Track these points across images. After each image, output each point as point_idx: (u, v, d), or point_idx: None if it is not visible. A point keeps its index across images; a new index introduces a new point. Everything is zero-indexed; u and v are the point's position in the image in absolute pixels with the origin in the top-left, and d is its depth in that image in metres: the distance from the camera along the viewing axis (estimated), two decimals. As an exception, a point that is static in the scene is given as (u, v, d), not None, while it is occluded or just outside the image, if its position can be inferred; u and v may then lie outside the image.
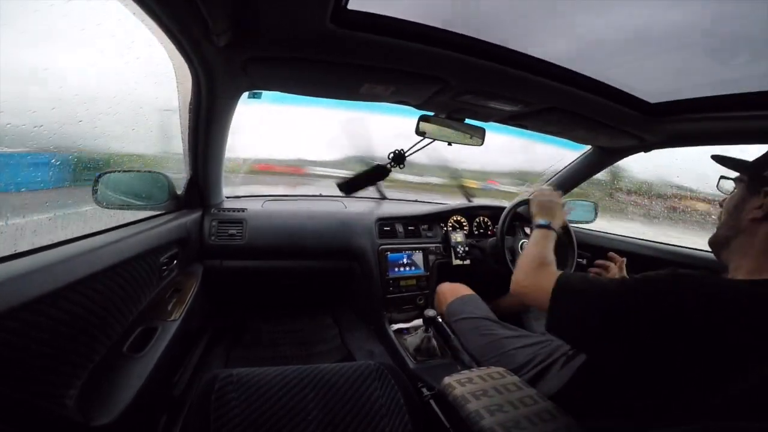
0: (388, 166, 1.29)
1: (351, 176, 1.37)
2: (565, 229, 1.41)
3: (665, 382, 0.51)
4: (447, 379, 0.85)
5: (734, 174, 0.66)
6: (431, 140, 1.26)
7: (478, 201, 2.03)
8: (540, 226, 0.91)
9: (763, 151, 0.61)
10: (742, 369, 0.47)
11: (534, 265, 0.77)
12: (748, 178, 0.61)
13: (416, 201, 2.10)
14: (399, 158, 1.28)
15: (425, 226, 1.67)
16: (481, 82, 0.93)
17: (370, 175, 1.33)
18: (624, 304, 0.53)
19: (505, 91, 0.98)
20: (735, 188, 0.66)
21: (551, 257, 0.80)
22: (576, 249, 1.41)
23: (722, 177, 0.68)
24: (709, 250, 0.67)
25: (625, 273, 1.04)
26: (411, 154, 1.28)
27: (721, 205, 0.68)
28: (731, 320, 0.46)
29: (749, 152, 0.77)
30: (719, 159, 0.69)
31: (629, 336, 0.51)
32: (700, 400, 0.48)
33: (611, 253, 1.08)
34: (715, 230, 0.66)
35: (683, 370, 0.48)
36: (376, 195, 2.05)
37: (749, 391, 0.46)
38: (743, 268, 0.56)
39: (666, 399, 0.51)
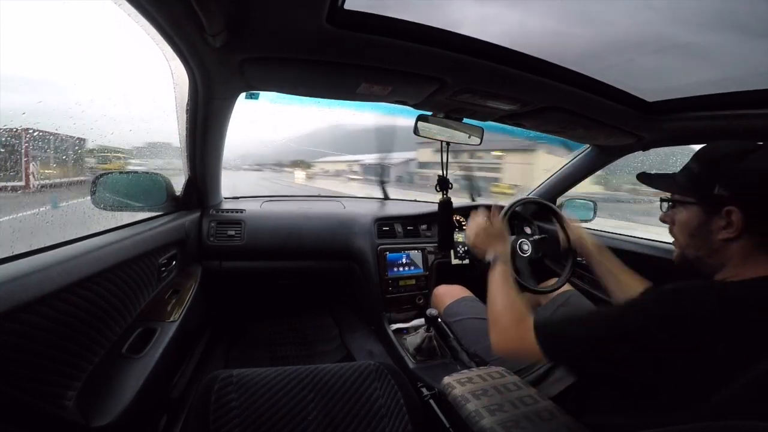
0: (444, 195, 1.33)
1: (440, 235, 1.49)
2: (564, 230, 1.40)
3: (673, 386, 0.50)
4: (447, 379, 0.85)
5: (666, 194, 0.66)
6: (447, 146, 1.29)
7: (477, 201, 2.03)
8: (490, 264, 0.85)
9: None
10: (746, 365, 0.47)
11: (508, 320, 0.71)
12: (698, 199, 0.59)
13: (415, 201, 2.11)
14: (444, 183, 1.32)
15: (424, 226, 1.67)
16: (478, 82, 0.92)
17: (447, 217, 1.40)
18: (638, 333, 0.52)
19: (503, 90, 0.97)
20: (673, 206, 0.65)
21: (520, 301, 0.74)
22: (576, 250, 1.40)
23: (662, 200, 0.67)
24: None
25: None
26: (446, 173, 1.33)
27: (664, 221, 0.67)
28: (741, 319, 0.47)
29: None
30: (650, 182, 0.68)
31: (645, 358, 0.51)
32: (702, 400, 0.48)
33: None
34: (676, 251, 0.66)
35: (694, 374, 0.48)
36: (376, 195, 2.05)
37: (749, 388, 0.46)
38: (728, 274, 0.57)
39: (669, 400, 0.51)
